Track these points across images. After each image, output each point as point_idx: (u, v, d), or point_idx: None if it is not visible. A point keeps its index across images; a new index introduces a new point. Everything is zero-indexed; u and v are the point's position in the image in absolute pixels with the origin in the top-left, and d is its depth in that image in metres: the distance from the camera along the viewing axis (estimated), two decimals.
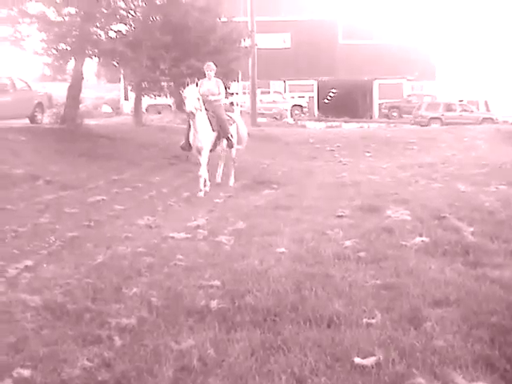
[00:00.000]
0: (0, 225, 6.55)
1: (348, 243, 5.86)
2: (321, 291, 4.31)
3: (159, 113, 28.80)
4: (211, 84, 10.64)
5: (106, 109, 34.83)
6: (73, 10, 14.99)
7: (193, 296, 4.25)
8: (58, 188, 9.26)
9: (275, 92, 37.25)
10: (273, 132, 23.05)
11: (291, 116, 33.71)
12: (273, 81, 37.55)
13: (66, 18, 14.64)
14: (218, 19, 16.49)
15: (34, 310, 3.91)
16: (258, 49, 24.67)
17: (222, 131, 10.58)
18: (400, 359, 3.07)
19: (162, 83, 17.50)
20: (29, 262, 5.10)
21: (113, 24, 15.02)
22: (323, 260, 5.27)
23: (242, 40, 18.29)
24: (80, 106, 17.17)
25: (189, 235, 6.36)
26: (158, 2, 15.51)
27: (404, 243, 5.73)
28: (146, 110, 28.25)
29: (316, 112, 38.65)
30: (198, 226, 6.87)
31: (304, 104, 36.99)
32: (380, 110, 37.91)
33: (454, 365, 3.00)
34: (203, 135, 10.07)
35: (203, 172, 9.97)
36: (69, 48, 14.27)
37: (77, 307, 3.99)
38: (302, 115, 34.91)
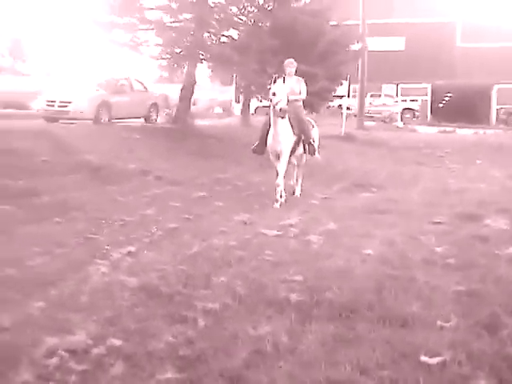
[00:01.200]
0: (110, 214, 7.21)
1: (438, 249, 5.80)
2: (401, 293, 4.35)
3: (267, 114, 29.39)
4: (292, 82, 9.55)
5: (218, 110, 36.14)
6: (188, 16, 15.89)
7: (275, 288, 4.46)
8: (165, 183, 9.92)
9: (386, 95, 36.65)
10: (380, 136, 22.73)
11: (401, 120, 32.94)
12: (385, 84, 36.98)
13: (181, 24, 15.55)
14: (327, 23, 16.61)
15: (131, 291, 4.32)
16: (370, 51, 24.43)
17: (303, 135, 9.58)
18: (467, 362, 3.09)
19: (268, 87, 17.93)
20: (132, 248, 5.59)
21: (225, 30, 15.70)
22: (410, 264, 5.27)
23: (352, 43, 18.24)
24: (192, 107, 18.08)
25: (280, 233, 6.59)
26: (268, 7, 15.94)
27: (497, 252, 5.57)
28: (255, 111, 29.04)
29: (429, 116, 37.47)
30: (290, 225, 7.08)
31: (416, 108, 36.07)
32: (498, 115, 35.99)
33: None
34: (284, 138, 9.04)
35: (280, 180, 9.05)
36: (182, 52, 15.10)
37: (169, 290, 4.36)
38: (414, 119, 34.04)
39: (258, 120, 25.58)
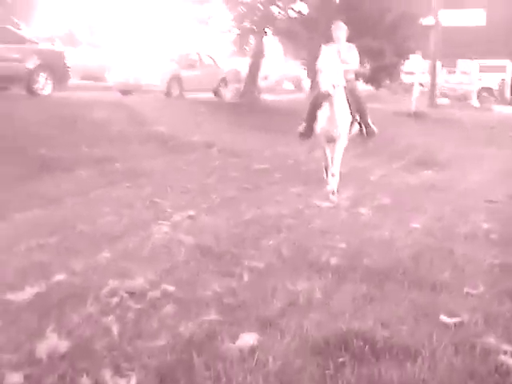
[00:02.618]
0: (175, 181, 7.77)
1: (485, 225, 5.95)
2: (437, 262, 4.61)
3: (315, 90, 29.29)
4: (342, 50, 7.87)
5: (288, 85, 36.23)
6: None
7: (317, 253, 4.82)
8: (228, 155, 10.38)
9: (462, 72, 35.40)
10: (452, 114, 22.19)
11: (477, 98, 31.85)
12: (461, 60, 35.71)
13: None
14: None
15: (187, 248, 4.81)
16: (446, 26, 23.71)
17: (359, 115, 8.02)
18: (483, 323, 3.34)
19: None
20: (191, 212, 6.08)
21: (293, 3, 15.86)
22: (453, 237, 5.48)
23: (422, 18, 17.89)
24: (263, 82, 18.40)
25: (332, 204, 6.92)
26: None
27: None
28: None
29: (508, 95, 35.90)
30: (343, 198, 7.39)
31: (495, 86, 34.65)
32: None
33: None
34: (343, 119, 7.57)
35: (336, 170, 7.71)
36: (250, 26, 15.43)
37: (220, 249, 4.82)
38: (491, 98, 32.78)
39: None
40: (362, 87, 22.83)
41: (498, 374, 2.76)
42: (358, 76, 17.74)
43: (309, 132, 8.13)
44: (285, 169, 9.76)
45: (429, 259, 4.68)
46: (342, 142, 7.77)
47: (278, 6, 16.21)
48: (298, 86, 35.01)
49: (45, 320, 3.27)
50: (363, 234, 5.53)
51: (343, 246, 5.08)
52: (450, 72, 33.74)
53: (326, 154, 8.05)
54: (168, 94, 15.87)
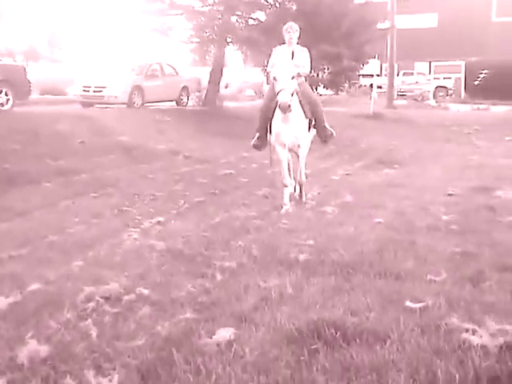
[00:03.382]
0: (142, 190, 7.83)
1: (445, 217, 6.21)
2: (400, 253, 4.81)
3: (264, 96, 29.68)
4: (294, 52, 7.02)
5: (250, 92, 36.52)
6: (216, 0, 16.33)
7: (286, 250, 4.97)
8: (193, 162, 10.49)
9: (419, 73, 36.35)
10: (409, 114, 22.77)
11: (434, 98, 32.73)
12: (417, 62, 36.65)
13: (209, 8, 16.02)
14: (352, 2, 16.80)
15: (159, 252, 4.90)
16: (402, 29, 24.36)
17: (315, 118, 7.25)
18: (446, 306, 3.53)
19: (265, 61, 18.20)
20: (160, 219, 6.17)
21: (252, 13, 16.08)
22: (414, 230, 5.70)
23: (378, 22, 18.37)
24: (225, 89, 18.51)
25: (297, 204, 7.10)
26: None
27: (499, 219, 5.94)
28: None
29: (463, 94, 36.99)
30: (308, 198, 7.58)
31: (449, 86, 35.66)
32: None
33: (494, 314, 3.39)
34: (298, 126, 6.87)
35: (304, 177, 7.37)
36: (210, 36, 15.59)
37: (192, 252, 4.92)
38: (447, 97, 33.72)
39: None
40: (322, 91, 23.39)
41: (461, 351, 2.93)
42: (316, 81, 18.25)
43: (263, 142, 7.36)
44: (250, 173, 9.91)
45: (392, 251, 4.87)
46: (303, 150, 7.18)
47: (237, 15, 16.42)
48: (259, 93, 35.36)
49: (23, 327, 3.32)
50: (329, 231, 5.70)
51: (311, 242, 5.24)
52: (406, 74, 34.61)
53: (283, 165, 7.10)
54: (130, 104, 15.86)
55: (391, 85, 25.87)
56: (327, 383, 2.67)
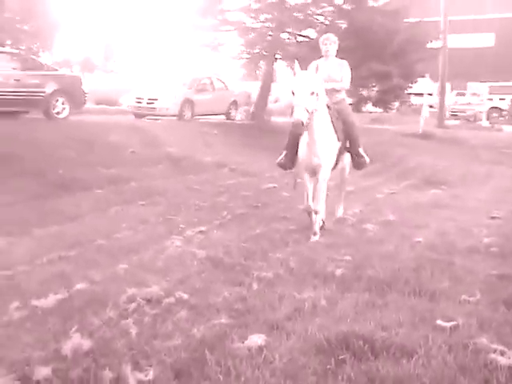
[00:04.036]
0: (188, 199, 8.07)
1: (486, 240, 6.17)
2: (437, 273, 4.83)
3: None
4: (331, 66, 6.64)
5: None
6: (267, 17, 16.63)
7: (323, 264, 5.07)
8: (238, 175, 10.70)
9: (472, 94, 35.72)
10: (460, 134, 22.42)
11: (487, 119, 32.05)
12: (471, 82, 36.05)
13: (261, 25, 16.34)
14: (402, 21, 16.77)
15: (200, 260, 5.09)
16: (456, 49, 24.11)
17: (349, 142, 6.75)
18: (477, 326, 3.56)
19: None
20: (203, 228, 6.37)
21: (302, 30, 16.30)
22: (454, 251, 5.70)
23: (430, 41, 18.25)
24: (274, 104, 18.75)
25: (338, 220, 7.18)
26: (345, 7, 16.38)
27: None
28: None
29: None
30: (350, 215, 7.63)
31: (504, 107, 34.86)
32: None
33: None
34: (324, 147, 6.21)
35: (322, 205, 6.50)
36: (261, 52, 15.88)
37: (231, 261, 5.08)
38: (501, 119, 32.96)
39: None
40: (372, 109, 23.31)
41: (488, 370, 2.97)
42: (364, 99, 18.23)
43: (290, 161, 6.69)
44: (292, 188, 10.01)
45: (429, 270, 4.90)
46: (324, 174, 6.29)
47: (287, 32, 16.69)
48: None
49: (68, 323, 3.55)
50: (368, 248, 5.77)
51: (348, 258, 5.32)
52: (459, 94, 34.08)
53: (307, 189, 6.48)
54: (180, 117, 16.29)
55: (442, 104, 25.55)
56: None
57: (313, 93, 5.74)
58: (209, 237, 6.06)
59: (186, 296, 4.12)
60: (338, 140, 6.45)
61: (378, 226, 6.95)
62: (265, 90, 17.27)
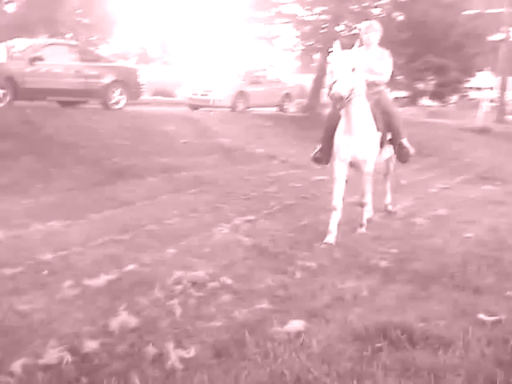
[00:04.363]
0: (237, 189, 8.22)
1: None
2: (484, 269, 4.76)
3: (403, 106, 29.30)
4: (372, 56, 6.18)
5: None
6: (323, 9, 16.57)
7: (368, 256, 5.09)
8: (289, 167, 10.77)
9: None
10: None
11: None
12: None
13: (316, 17, 16.30)
14: (460, 14, 16.33)
15: (245, 248, 5.20)
16: None
17: (391, 133, 6.31)
18: None
19: (398, 77, 18.00)
20: (251, 217, 6.48)
21: (358, 22, 16.11)
22: (504, 247, 5.57)
23: (490, 34, 17.69)
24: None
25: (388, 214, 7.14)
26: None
27: None
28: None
29: None
30: (399, 209, 7.57)
31: None
32: None
33: None
34: (364, 139, 5.75)
35: (369, 197, 6.32)
36: (315, 44, 15.83)
37: (276, 250, 5.17)
38: None
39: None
40: (429, 103, 22.81)
41: None
42: (420, 92, 17.87)
43: (326, 155, 6.32)
44: None
45: (476, 265, 4.83)
46: (369, 167, 5.95)
47: (343, 24, 16.58)
48: None
49: (117, 301, 3.73)
50: (415, 242, 5.72)
51: (394, 251, 5.30)
52: None
53: (337, 185, 6.06)
54: (233, 108, 16.48)
55: (503, 99, 24.67)
56: (385, 378, 2.79)
57: (354, 69, 5.29)
58: (256, 226, 6.17)
59: (229, 281, 4.24)
60: (378, 130, 5.96)
61: (428, 221, 6.87)
62: (318, 83, 17.20)
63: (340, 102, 5.22)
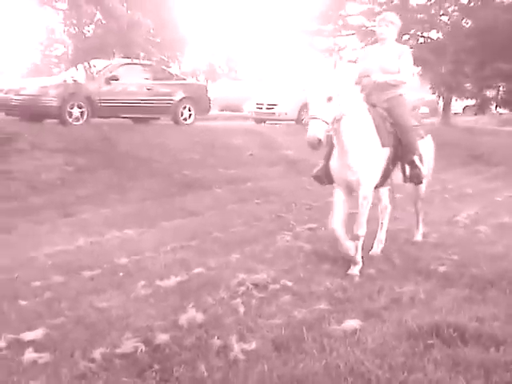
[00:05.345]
0: (300, 199, 8.46)
1: None
2: None
3: (475, 114, 28.61)
4: (387, 53, 5.33)
5: (424, 110, 35.69)
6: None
7: (428, 262, 5.18)
8: None
9: None
10: None
11: None
12: None
13: None
14: None
15: (306, 253, 5.43)
16: None
17: (403, 149, 5.26)
18: None
19: (466, 85, 17.64)
20: (312, 225, 6.69)
21: (425, 31, 16.05)
22: None
23: None
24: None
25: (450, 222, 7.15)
26: (469, 6, 15.87)
27: None
28: (463, 111, 28.61)
29: None
30: (463, 217, 7.54)
31: None
32: None
33: None
34: (360, 157, 4.89)
35: (362, 229, 5.11)
36: None
37: (336, 255, 5.34)
38: None
39: (464, 120, 25.12)
40: (500, 110, 22.12)
41: None
42: (489, 99, 17.40)
43: (325, 174, 5.33)
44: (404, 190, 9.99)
45: None
46: (364, 191, 5.01)
47: (409, 34, 16.53)
48: (434, 110, 34.39)
49: (186, 300, 4.05)
50: (477, 248, 5.74)
51: (454, 258, 5.36)
52: None
53: (335, 209, 5.19)
54: (298, 121, 16.72)
55: None
56: (436, 372, 2.93)
57: (330, 98, 4.50)
58: (317, 233, 6.37)
59: (290, 283, 4.49)
60: (384, 145, 5.03)
61: (492, 228, 6.83)
62: None
63: (317, 146, 4.44)
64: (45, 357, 3.16)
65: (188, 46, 23.13)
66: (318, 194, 8.96)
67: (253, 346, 3.32)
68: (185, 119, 13.89)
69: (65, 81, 12.06)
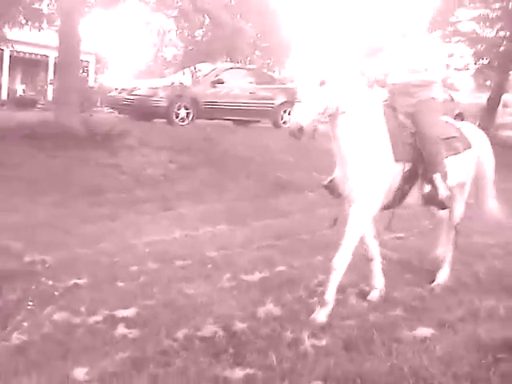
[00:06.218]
0: None
1: None
2: None
3: None
4: (411, 49, 4.53)
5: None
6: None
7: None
8: None
9: None
10: None
11: None
12: None
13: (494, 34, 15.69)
14: None
15: (390, 261, 5.43)
16: None
17: (424, 165, 4.41)
18: None
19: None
20: (401, 234, 6.66)
21: None
22: None
23: None
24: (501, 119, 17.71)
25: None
26: None
27: None
28: None
29: None
30: None
31: None
32: None
33: None
34: (361, 168, 4.15)
35: (343, 261, 4.24)
36: (491, 63, 15.27)
37: (419, 265, 5.38)
38: None
39: None
40: None
41: None
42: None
43: (335, 186, 4.59)
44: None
45: None
46: (358, 209, 4.31)
47: None
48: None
49: (266, 295, 4.32)
50: None
51: None
52: None
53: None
54: None
55: None
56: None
57: (323, 82, 3.81)
58: (404, 242, 6.39)
59: (368, 288, 4.60)
60: (397, 160, 4.22)
61: None
62: (492, 103, 16.50)
63: (298, 135, 3.82)
64: (134, 333, 3.56)
65: (292, 51, 23.50)
66: None
67: (323, 342, 3.51)
68: (284, 122, 14.21)
69: (172, 83, 12.82)
